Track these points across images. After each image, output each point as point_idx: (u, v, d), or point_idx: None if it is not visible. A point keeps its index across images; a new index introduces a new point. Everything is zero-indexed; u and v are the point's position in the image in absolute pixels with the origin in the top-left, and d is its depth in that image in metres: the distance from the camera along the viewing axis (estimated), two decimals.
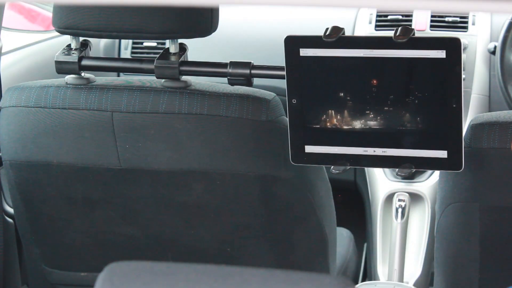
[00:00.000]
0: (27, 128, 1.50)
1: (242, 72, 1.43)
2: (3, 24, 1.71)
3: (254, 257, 1.58)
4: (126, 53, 2.60)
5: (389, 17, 2.48)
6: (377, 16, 2.49)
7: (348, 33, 2.23)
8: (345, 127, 1.30)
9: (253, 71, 1.43)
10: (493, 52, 2.33)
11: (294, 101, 1.29)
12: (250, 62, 1.44)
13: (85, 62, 1.48)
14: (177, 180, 1.49)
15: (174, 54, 1.45)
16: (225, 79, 1.45)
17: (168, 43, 1.46)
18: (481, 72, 2.41)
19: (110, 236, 1.61)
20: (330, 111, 1.31)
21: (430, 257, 2.21)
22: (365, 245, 2.43)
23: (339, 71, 1.27)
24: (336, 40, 1.23)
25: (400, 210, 2.22)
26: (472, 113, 2.37)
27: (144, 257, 1.61)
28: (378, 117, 1.27)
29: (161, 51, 1.46)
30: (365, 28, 2.49)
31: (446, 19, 2.46)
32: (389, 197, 2.28)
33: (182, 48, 1.46)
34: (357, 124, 1.30)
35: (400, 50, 1.22)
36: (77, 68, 1.48)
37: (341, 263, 1.94)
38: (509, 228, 1.42)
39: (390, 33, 1.22)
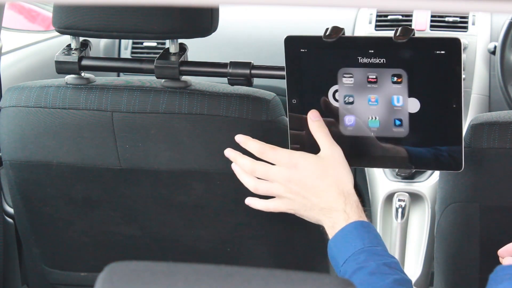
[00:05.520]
0: (27, 128, 1.51)
1: (242, 72, 1.43)
2: (3, 24, 1.71)
3: (254, 257, 1.58)
4: (126, 53, 2.60)
5: (389, 17, 2.48)
6: (377, 16, 2.49)
7: (348, 33, 2.23)
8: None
9: (253, 71, 1.43)
10: (493, 52, 2.33)
11: (294, 101, 1.29)
12: (250, 62, 1.44)
13: (85, 62, 1.48)
14: (177, 180, 1.49)
15: (174, 54, 1.45)
16: (225, 79, 1.45)
17: (168, 43, 1.46)
18: (481, 72, 2.41)
19: (110, 236, 1.61)
20: None
21: (430, 257, 2.21)
22: None
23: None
24: (336, 40, 1.23)
25: (400, 210, 2.23)
26: (472, 113, 2.37)
27: (144, 257, 1.61)
28: (378, 117, 1.27)
29: (161, 51, 1.46)
30: (365, 28, 2.49)
31: (446, 19, 2.46)
32: (389, 197, 2.28)
33: (182, 48, 1.46)
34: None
35: (400, 50, 1.22)
36: (77, 68, 1.48)
37: None
38: (509, 228, 1.42)
39: (390, 33, 1.22)
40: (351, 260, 1.16)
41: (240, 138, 1.30)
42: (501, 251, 1.22)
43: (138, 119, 1.45)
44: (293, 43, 1.26)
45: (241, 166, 1.29)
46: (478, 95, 2.41)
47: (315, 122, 1.25)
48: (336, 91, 1.26)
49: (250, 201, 1.33)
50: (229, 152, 1.31)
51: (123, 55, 2.60)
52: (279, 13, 2.57)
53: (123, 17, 1.40)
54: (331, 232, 1.22)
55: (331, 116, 1.28)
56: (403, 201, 2.24)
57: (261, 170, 1.26)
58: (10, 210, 1.73)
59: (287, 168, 1.23)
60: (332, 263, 1.22)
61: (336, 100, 1.27)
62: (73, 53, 1.48)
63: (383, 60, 1.23)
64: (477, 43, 2.42)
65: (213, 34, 1.46)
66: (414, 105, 1.24)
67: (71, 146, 1.50)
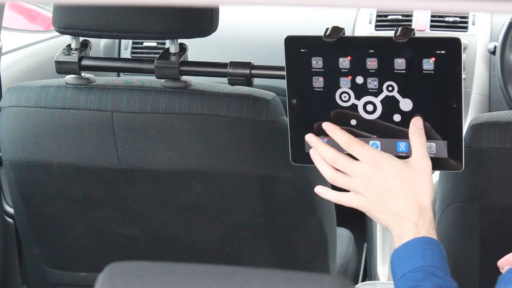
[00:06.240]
0: (27, 128, 1.51)
1: (242, 72, 1.43)
2: (3, 24, 1.71)
3: (254, 257, 1.58)
4: (126, 53, 2.60)
5: (389, 17, 2.48)
6: (377, 16, 2.49)
7: (348, 33, 2.23)
8: (345, 127, 1.30)
9: (253, 71, 1.43)
10: (493, 52, 2.33)
11: (294, 101, 1.29)
12: (250, 62, 1.44)
13: (85, 62, 1.48)
14: (177, 180, 1.49)
15: (174, 54, 1.45)
16: (225, 79, 1.45)
17: (168, 43, 1.46)
18: (481, 72, 2.41)
19: (110, 236, 1.61)
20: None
21: None
22: (365, 245, 2.44)
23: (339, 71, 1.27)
24: (336, 40, 1.23)
25: None
26: (472, 113, 2.37)
27: (144, 257, 1.61)
28: (379, 117, 1.27)
29: (161, 51, 1.46)
30: (365, 28, 2.49)
31: (446, 19, 2.46)
32: None
33: (182, 48, 1.46)
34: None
35: (400, 50, 1.22)
36: (77, 68, 1.48)
37: (341, 263, 1.94)
38: (509, 228, 1.42)
39: (390, 33, 1.22)
40: (408, 276, 1.14)
41: (329, 127, 1.25)
42: (500, 262, 1.21)
43: (138, 119, 1.45)
44: (293, 43, 1.26)
45: (322, 154, 1.25)
46: (478, 95, 2.40)
47: (417, 128, 1.22)
48: (342, 92, 1.26)
49: (320, 190, 1.27)
50: (310, 138, 1.26)
51: (123, 55, 2.60)
52: (279, 13, 2.57)
53: (123, 17, 1.40)
54: (398, 242, 1.19)
55: (338, 119, 1.28)
56: None
57: (343, 163, 1.22)
58: (10, 210, 1.73)
59: (372, 167, 1.20)
60: (392, 273, 1.20)
61: (343, 101, 1.27)
62: (73, 53, 1.48)
63: (382, 60, 1.23)
64: (477, 43, 2.42)
65: (213, 34, 1.46)
66: (407, 104, 1.24)
67: (71, 146, 1.50)
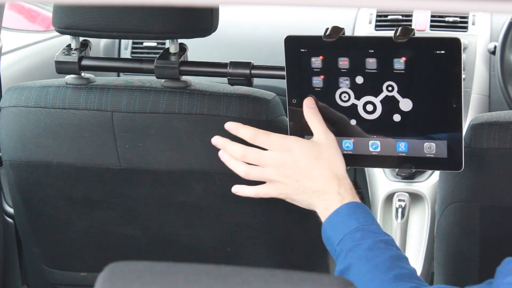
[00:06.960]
0: (27, 128, 1.51)
1: (242, 72, 1.43)
2: (3, 24, 1.71)
3: (254, 257, 1.58)
4: (126, 53, 2.60)
5: (389, 17, 2.48)
6: (377, 16, 2.49)
7: (348, 33, 2.23)
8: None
9: (253, 71, 1.43)
10: (493, 52, 2.33)
11: (294, 101, 1.29)
12: (250, 62, 1.44)
13: (85, 62, 1.48)
14: (177, 180, 1.49)
15: (174, 54, 1.45)
16: (225, 79, 1.45)
17: (168, 43, 1.46)
18: (481, 72, 2.41)
19: (110, 236, 1.61)
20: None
21: (430, 257, 2.21)
22: None
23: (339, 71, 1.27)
24: (336, 40, 1.23)
25: (400, 210, 2.23)
26: (472, 113, 2.37)
27: (144, 257, 1.61)
28: (378, 117, 1.27)
29: (161, 51, 1.46)
30: (365, 28, 2.49)
31: (446, 19, 2.46)
32: (389, 197, 2.28)
33: (182, 48, 1.46)
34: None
35: (400, 50, 1.22)
36: (77, 68, 1.48)
37: None
38: (509, 228, 1.42)
39: (390, 33, 1.22)
40: (347, 238, 1.16)
41: (231, 125, 1.29)
42: None
43: (138, 119, 1.45)
44: (293, 43, 1.26)
45: (231, 153, 1.28)
46: (478, 95, 2.41)
47: (310, 109, 1.26)
48: (342, 92, 1.26)
49: (237, 189, 1.31)
50: (217, 140, 1.29)
51: (123, 55, 2.60)
52: (279, 13, 2.57)
53: (123, 17, 1.40)
54: (324, 215, 1.21)
55: (336, 117, 1.28)
56: (403, 201, 2.24)
57: (253, 155, 1.25)
58: (10, 210, 1.73)
59: (281, 152, 1.23)
60: (326, 245, 1.21)
61: (342, 101, 1.27)
62: (73, 53, 1.48)
63: (382, 60, 1.23)
64: (477, 43, 2.42)
65: (213, 34, 1.46)
66: (407, 104, 1.24)
67: (71, 146, 1.50)
